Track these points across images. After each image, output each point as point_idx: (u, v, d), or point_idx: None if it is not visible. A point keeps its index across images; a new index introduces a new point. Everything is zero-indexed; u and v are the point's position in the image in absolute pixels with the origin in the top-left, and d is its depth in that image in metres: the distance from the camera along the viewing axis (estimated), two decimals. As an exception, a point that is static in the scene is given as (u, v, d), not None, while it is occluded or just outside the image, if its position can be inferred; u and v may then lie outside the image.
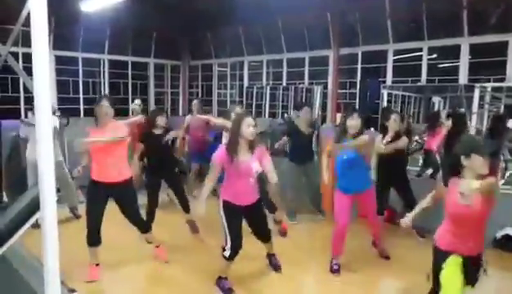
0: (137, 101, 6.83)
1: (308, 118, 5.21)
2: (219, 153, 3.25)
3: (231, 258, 3.32)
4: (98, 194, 3.55)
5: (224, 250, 3.33)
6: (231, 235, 3.29)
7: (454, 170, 2.48)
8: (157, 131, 4.55)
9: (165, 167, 4.59)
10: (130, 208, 3.73)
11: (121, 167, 3.61)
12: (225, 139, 4.75)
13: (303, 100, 6.91)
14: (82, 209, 5.30)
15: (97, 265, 3.62)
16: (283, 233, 4.75)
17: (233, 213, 3.31)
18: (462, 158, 2.39)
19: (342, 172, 3.83)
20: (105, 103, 3.55)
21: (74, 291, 1.99)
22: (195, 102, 6.41)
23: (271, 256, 3.87)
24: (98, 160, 3.52)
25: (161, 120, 4.54)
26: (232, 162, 3.19)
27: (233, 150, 3.20)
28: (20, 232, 1.78)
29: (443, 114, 5.84)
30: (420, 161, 6.07)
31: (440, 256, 2.50)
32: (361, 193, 3.82)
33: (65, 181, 5.19)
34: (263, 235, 3.66)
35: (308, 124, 5.19)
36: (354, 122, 3.70)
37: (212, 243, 4.32)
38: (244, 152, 3.24)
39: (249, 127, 3.18)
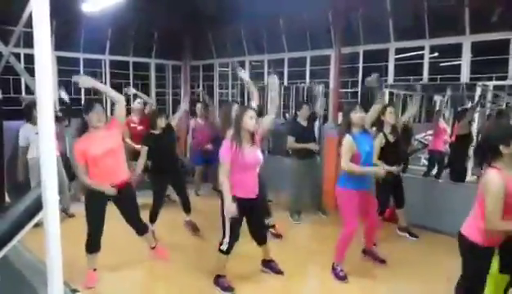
0: (139, 100, 6.10)
1: (308, 113, 5.39)
2: (225, 147, 3.30)
3: (227, 252, 3.38)
4: (100, 201, 3.47)
5: (221, 244, 3.39)
6: (231, 231, 3.34)
7: (487, 159, 2.38)
8: (156, 132, 4.59)
9: (169, 167, 4.64)
10: (131, 211, 3.71)
11: (122, 170, 3.57)
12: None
13: (305, 100, 6.90)
14: (73, 209, 5.27)
15: (95, 269, 3.58)
16: (277, 236, 4.71)
17: (237, 209, 3.31)
18: (501, 147, 2.31)
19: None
20: (100, 109, 3.40)
21: (76, 291, 1.99)
22: (198, 106, 6.56)
23: (269, 263, 3.81)
24: (101, 164, 3.39)
25: (161, 121, 4.60)
26: (238, 154, 3.24)
27: (238, 141, 3.26)
28: (23, 232, 1.77)
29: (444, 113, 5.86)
30: (423, 160, 6.05)
31: (485, 254, 2.43)
32: (365, 192, 3.75)
33: (59, 179, 5.15)
34: (261, 234, 3.66)
35: (307, 118, 5.39)
36: (358, 114, 3.61)
37: (214, 242, 4.31)
38: (248, 144, 3.31)
39: (251, 119, 3.26)
